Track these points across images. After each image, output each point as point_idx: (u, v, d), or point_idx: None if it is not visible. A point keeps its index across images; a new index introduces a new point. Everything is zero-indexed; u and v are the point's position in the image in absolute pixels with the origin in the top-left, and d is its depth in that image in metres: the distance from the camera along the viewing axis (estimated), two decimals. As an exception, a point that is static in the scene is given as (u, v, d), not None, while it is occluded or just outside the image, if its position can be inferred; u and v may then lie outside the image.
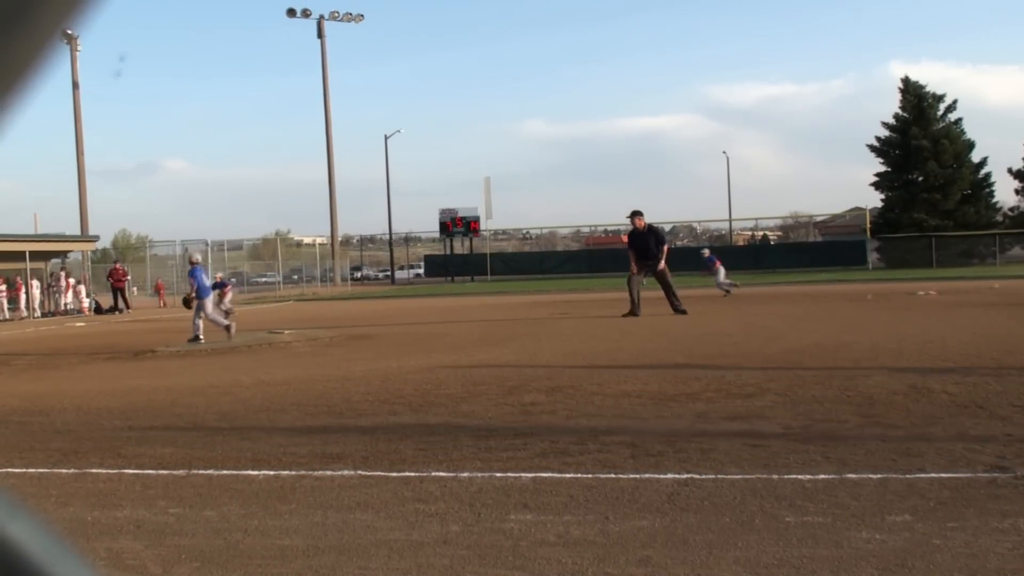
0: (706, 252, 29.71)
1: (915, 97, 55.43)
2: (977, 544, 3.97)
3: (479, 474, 5.59)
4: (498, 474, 5.58)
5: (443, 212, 59.53)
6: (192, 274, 17.11)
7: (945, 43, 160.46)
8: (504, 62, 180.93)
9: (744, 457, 5.76)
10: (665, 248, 18.81)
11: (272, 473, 5.83)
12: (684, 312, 17.99)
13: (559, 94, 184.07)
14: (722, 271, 26.77)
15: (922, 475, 5.13)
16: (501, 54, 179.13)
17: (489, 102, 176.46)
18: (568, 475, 5.51)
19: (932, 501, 4.61)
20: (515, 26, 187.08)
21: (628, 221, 19.32)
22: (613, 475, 5.47)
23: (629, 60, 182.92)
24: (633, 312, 18.08)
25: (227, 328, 16.52)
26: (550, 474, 5.55)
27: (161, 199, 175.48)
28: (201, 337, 16.41)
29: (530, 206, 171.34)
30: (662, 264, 18.49)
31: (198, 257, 18.11)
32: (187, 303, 17.68)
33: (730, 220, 69.78)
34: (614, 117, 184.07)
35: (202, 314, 16.65)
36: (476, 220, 58.78)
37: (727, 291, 26.14)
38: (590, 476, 5.47)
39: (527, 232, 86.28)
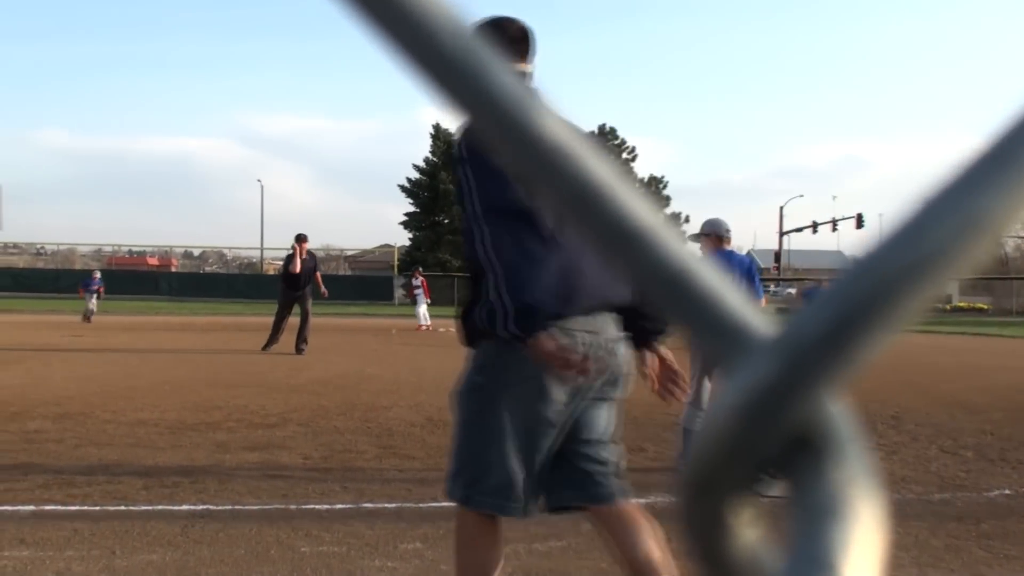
0: None
1: (445, 143, 58.84)
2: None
3: (-37, 509, 4.96)
4: (-11, 508, 4.99)
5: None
6: None
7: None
8: (21, 65, 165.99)
9: (262, 487, 5.66)
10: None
11: None
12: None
13: (85, 105, 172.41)
14: None
15: (434, 504, 5.33)
16: (18, 55, 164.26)
17: (2, 105, 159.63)
18: (73, 507, 5.09)
19: (443, 529, 4.80)
20: (38, 29, 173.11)
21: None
22: (123, 507, 5.13)
23: (161, 77, 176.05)
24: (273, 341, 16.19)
25: None
26: (52, 507, 5.10)
27: None
28: None
29: (46, 220, 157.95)
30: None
31: None
32: None
33: (262, 249, 69.50)
34: (145, 135, 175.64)
35: None
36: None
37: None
38: (97, 508, 5.09)
39: (42, 247, 79.52)
